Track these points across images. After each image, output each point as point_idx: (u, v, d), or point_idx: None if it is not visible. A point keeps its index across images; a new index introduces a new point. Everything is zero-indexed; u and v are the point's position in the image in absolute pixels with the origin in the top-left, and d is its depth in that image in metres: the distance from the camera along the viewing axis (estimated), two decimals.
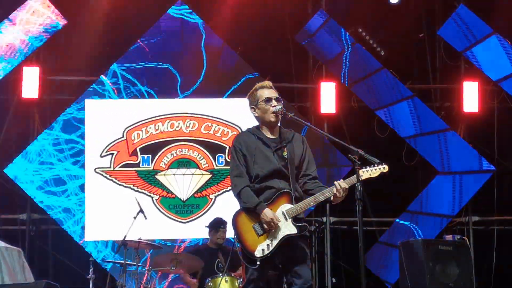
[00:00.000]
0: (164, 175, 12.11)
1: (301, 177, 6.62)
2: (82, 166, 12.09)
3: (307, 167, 6.64)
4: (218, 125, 12.28)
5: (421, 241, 10.33)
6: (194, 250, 10.32)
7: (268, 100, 6.57)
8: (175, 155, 12.18)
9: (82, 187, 12.04)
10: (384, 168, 6.34)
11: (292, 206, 6.43)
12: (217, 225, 10.29)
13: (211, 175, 12.16)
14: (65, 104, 12.31)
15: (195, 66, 12.30)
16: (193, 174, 12.13)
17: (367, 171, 6.30)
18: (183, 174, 12.12)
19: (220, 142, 12.24)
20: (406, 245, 10.35)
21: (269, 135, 6.64)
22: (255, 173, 6.52)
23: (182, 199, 12.05)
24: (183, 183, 12.08)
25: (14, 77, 12.14)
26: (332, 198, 6.36)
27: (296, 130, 6.84)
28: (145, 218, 9.74)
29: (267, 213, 6.37)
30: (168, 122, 12.24)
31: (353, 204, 6.07)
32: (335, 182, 6.33)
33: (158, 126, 12.23)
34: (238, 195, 6.53)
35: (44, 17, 12.12)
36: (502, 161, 12.65)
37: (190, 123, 12.25)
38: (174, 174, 12.11)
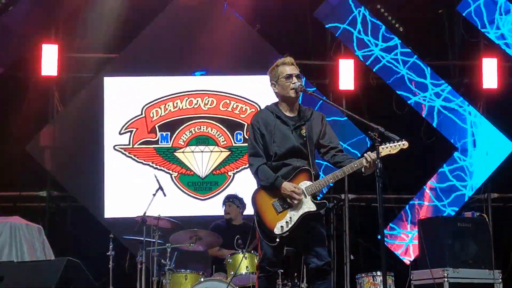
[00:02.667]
0: (183, 152, 12.14)
1: (328, 150, 6.60)
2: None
3: (330, 140, 6.63)
4: (236, 102, 12.28)
5: (440, 218, 10.32)
6: (214, 227, 10.35)
7: (289, 76, 6.55)
8: (193, 132, 12.20)
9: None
10: (404, 144, 6.31)
11: (311, 183, 6.43)
12: (223, 201, 10.34)
13: (229, 152, 12.18)
14: (84, 81, 12.35)
15: (214, 43, 12.27)
16: (211, 151, 12.15)
17: (387, 147, 6.27)
18: (202, 152, 12.14)
19: (239, 119, 12.24)
20: (425, 222, 10.35)
21: (288, 113, 6.63)
22: (273, 151, 6.52)
23: (200, 176, 12.08)
24: (201, 160, 12.10)
25: (33, 55, 12.17)
26: (363, 169, 6.32)
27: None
28: (164, 195, 9.77)
29: (286, 186, 6.37)
30: (187, 100, 12.25)
31: (371, 181, 6.07)
32: (365, 154, 6.29)
33: (177, 103, 12.24)
34: (255, 173, 6.53)
35: None
36: None
37: (208, 100, 12.26)
38: (192, 152, 12.14)
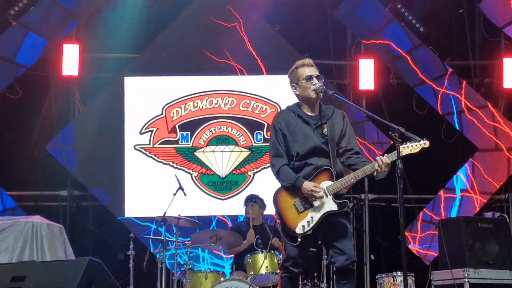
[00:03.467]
0: (203, 152, 12.17)
1: (344, 152, 6.60)
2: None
3: (348, 142, 6.62)
4: (256, 102, 12.30)
5: (460, 218, 10.27)
6: (234, 226, 10.37)
7: (309, 78, 6.56)
8: (213, 132, 12.23)
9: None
10: (425, 143, 6.28)
11: (332, 182, 6.44)
12: (245, 201, 10.35)
13: (249, 152, 12.20)
14: (105, 81, 12.40)
15: (235, 42, 12.29)
16: (231, 151, 12.18)
17: (408, 146, 6.23)
18: (222, 151, 12.17)
19: (259, 119, 12.26)
20: (445, 222, 10.32)
21: (309, 113, 6.63)
22: (296, 151, 6.52)
23: (221, 176, 12.11)
24: (221, 160, 12.13)
25: (54, 55, 12.24)
26: (375, 173, 6.33)
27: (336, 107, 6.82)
28: (185, 195, 9.78)
29: (306, 185, 6.38)
30: (207, 99, 12.28)
31: (391, 181, 6.07)
32: (377, 158, 6.30)
33: (197, 103, 12.27)
34: (277, 174, 6.55)
35: None
36: None
37: (228, 100, 12.29)
38: (213, 151, 12.17)
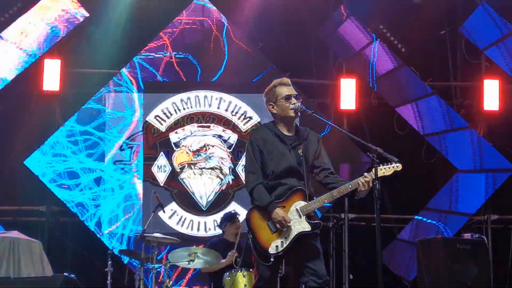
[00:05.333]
0: (183, 171, 12.13)
1: (320, 171, 6.63)
2: (97, 159, 12.14)
3: (323, 162, 6.66)
4: (238, 120, 12.28)
5: (439, 239, 10.31)
6: (211, 244, 10.33)
7: (288, 97, 6.60)
8: (194, 149, 12.19)
9: (96, 181, 12.10)
10: (398, 166, 6.32)
11: (306, 203, 6.45)
12: (233, 216, 10.33)
13: (230, 171, 12.17)
14: (86, 97, 12.37)
15: (216, 58, 12.31)
16: (212, 168, 12.14)
17: (381, 169, 6.27)
18: (202, 168, 12.14)
19: (240, 137, 12.23)
20: (424, 243, 10.34)
21: (286, 132, 6.67)
22: (271, 170, 6.55)
23: (202, 206, 12.05)
24: (202, 181, 12.10)
25: (35, 70, 12.19)
26: (358, 191, 6.34)
27: (316, 127, 6.84)
28: (164, 211, 9.76)
29: (278, 212, 6.40)
30: (188, 117, 12.25)
31: (371, 201, 6.08)
32: (365, 174, 6.31)
33: (178, 120, 12.25)
34: (251, 192, 6.57)
35: (66, 8, 12.20)
36: None
37: (209, 118, 12.26)
38: (192, 169, 12.12)
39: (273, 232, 6.44)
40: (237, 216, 10.37)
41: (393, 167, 6.30)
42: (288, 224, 6.38)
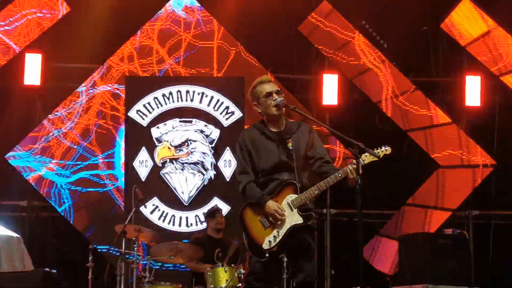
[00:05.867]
0: (164, 166, 12.10)
1: (315, 161, 6.64)
2: None
3: (317, 151, 6.67)
4: (219, 115, 12.27)
5: (420, 234, 10.33)
6: (194, 239, 10.32)
7: (269, 94, 6.61)
8: (176, 144, 12.16)
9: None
10: (387, 150, 6.33)
11: (297, 195, 6.46)
12: (212, 212, 10.33)
13: (212, 166, 12.13)
14: (68, 91, 12.30)
15: (197, 55, 12.28)
16: (194, 163, 12.11)
17: (369, 155, 6.26)
18: (184, 163, 12.10)
19: (222, 132, 12.18)
20: (405, 238, 10.37)
21: (273, 129, 6.69)
22: (261, 168, 6.59)
23: (184, 200, 12.01)
24: (184, 176, 12.06)
25: (16, 64, 12.12)
26: (349, 176, 6.32)
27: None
28: (145, 207, 9.75)
29: (270, 205, 6.43)
30: (170, 112, 12.22)
31: (353, 196, 6.08)
32: (349, 165, 6.32)
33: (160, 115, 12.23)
34: (243, 191, 6.61)
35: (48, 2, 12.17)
36: (503, 156, 12.62)
37: (191, 113, 12.22)
38: (174, 164, 12.09)
39: (266, 228, 6.48)
40: (219, 212, 10.34)
41: (382, 151, 6.30)
42: (282, 215, 6.39)
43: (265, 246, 6.44)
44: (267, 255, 6.42)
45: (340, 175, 6.36)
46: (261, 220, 6.49)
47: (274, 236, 6.43)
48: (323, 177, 6.49)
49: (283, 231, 6.43)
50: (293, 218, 6.44)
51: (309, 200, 6.51)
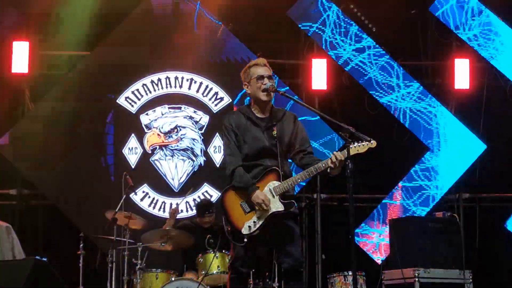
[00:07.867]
0: (154, 153, 12.08)
1: (296, 153, 6.63)
2: None
3: (300, 143, 6.65)
4: (208, 101, 12.24)
5: (411, 218, 10.34)
6: (184, 226, 10.29)
7: (261, 77, 6.58)
8: (165, 131, 12.14)
9: None
10: (372, 143, 6.34)
11: (279, 183, 6.45)
12: (202, 209, 10.28)
13: (202, 152, 12.12)
14: (55, 79, 12.26)
15: (187, 43, 12.22)
16: (184, 150, 12.10)
17: (355, 146, 6.28)
18: (174, 150, 12.09)
19: (211, 118, 12.17)
20: (396, 221, 10.39)
21: (259, 115, 6.66)
22: (245, 153, 6.56)
23: (174, 188, 12.00)
24: (173, 163, 12.05)
25: (3, 52, 12.06)
26: (328, 170, 6.34)
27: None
28: (135, 194, 9.73)
29: (258, 194, 6.39)
30: (159, 98, 12.19)
31: (343, 181, 6.08)
32: (332, 154, 6.33)
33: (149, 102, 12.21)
34: (231, 174, 6.54)
35: None
36: (492, 138, 12.64)
37: (180, 99, 12.20)
38: (164, 151, 12.07)
39: (246, 213, 6.45)
40: (209, 212, 10.22)
41: (367, 144, 6.31)
42: (267, 206, 6.38)
43: (244, 231, 6.41)
44: (245, 240, 6.39)
45: (323, 165, 6.37)
46: (242, 205, 6.47)
47: (254, 222, 6.41)
48: (305, 169, 6.49)
49: (263, 217, 6.41)
50: (274, 205, 6.43)
51: (291, 187, 6.51)
